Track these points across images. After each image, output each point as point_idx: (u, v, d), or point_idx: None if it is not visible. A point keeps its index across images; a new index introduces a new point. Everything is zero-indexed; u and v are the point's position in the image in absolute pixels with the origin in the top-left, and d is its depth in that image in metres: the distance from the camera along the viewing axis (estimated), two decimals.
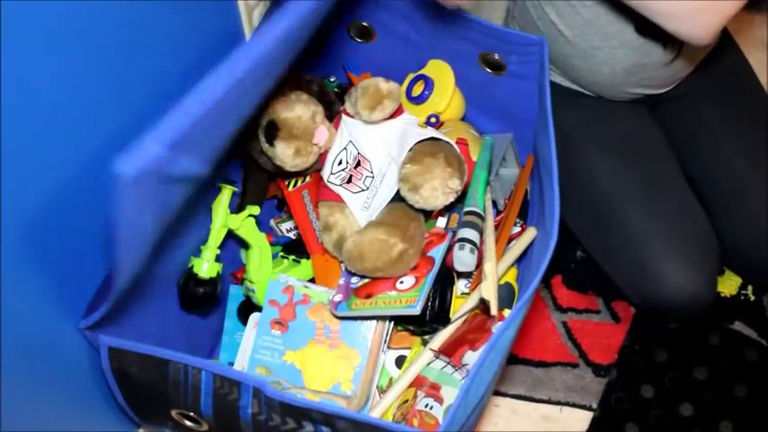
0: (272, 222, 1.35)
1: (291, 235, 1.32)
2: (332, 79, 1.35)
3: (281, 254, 1.24)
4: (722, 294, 1.37)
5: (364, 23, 1.25)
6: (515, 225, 1.19)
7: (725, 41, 1.34)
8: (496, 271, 1.01)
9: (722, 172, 1.26)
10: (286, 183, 1.24)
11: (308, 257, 1.21)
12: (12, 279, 0.85)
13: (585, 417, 1.26)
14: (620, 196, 1.21)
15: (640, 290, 1.20)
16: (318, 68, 1.30)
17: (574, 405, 1.27)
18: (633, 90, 1.26)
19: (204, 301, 1.12)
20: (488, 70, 1.19)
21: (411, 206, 1.06)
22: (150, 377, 0.94)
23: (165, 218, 0.84)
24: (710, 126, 1.30)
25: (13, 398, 0.89)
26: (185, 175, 0.78)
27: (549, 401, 1.28)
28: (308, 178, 1.23)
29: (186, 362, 0.88)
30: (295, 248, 1.24)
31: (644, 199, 1.20)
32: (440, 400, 1.02)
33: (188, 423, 0.99)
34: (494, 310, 0.97)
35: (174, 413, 0.98)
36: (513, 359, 1.30)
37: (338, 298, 1.06)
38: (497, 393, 1.28)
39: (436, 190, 1.01)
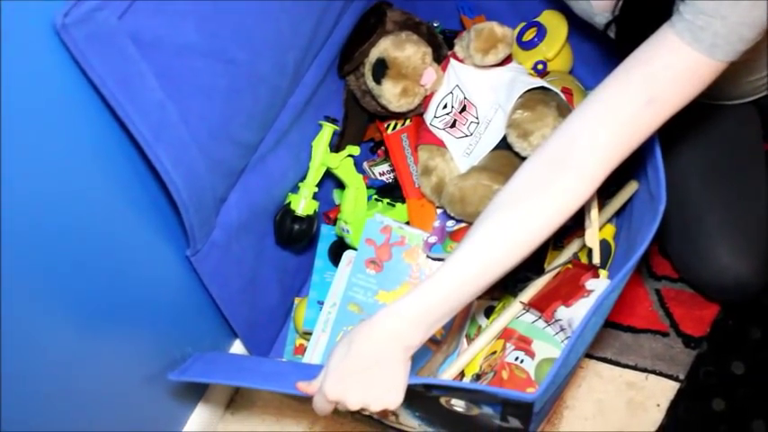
0: (365, 165, 1.35)
1: (385, 179, 1.32)
2: (435, 24, 1.32)
3: (375, 197, 1.24)
4: None
5: None
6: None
7: None
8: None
9: None
10: (385, 125, 1.23)
11: (402, 201, 1.21)
12: (129, 213, 0.89)
13: (671, 387, 1.23)
14: (687, 171, 1.17)
15: (687, 264, 1.19)
16: (422, 12, 1.28)
17: (660, 374, 1.24)
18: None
19: (299, 238, 1.13)
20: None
21: (516, 154, 1.03)
22: None
23: (197, 99, 0.85)
24: None
25: (132, 316, 0.96)
26: (170, 39, 0.77)
27: (635, 368, 1.24)
28: (407, 122, 1.22)
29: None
30: (389, 192, 1.24)
31: (709, 178, 1.16)
32: (531, 354, 1.00)
33: None
34: (596, 258, 0.95)
35: None
36: None
37: (433, 240, 1.06)
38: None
39: (546, 138, 0.98)
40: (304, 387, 0.83)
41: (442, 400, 0.85)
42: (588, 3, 1.01)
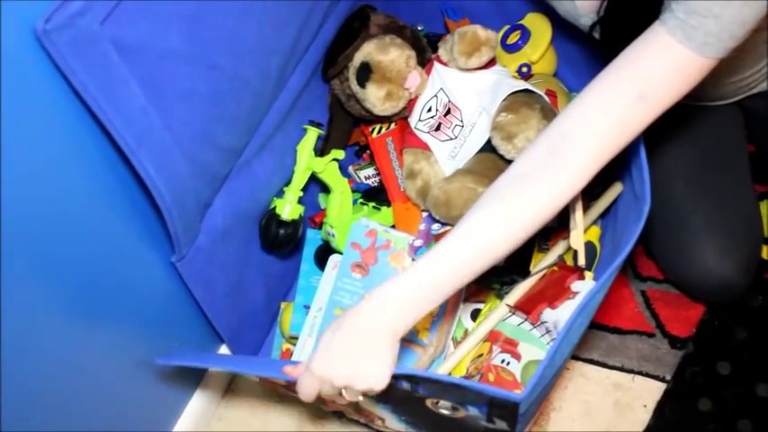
0: (351, 169, 1.35)
1: (370, 182, 1.32)
2: (419, 28, 1.33)
3: (361, 200, 1.24)
4: None
5: None
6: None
7: None
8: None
9: None
10: (370, 129, 1.23)
11: (387, 205, 1.20)
12: (113, 219, 0.89)
13: (658, 388, 1.23)
14: (671, 172, 1.17)
15: (672, 265, 1.19)
16: (406, 15, 1.28)
17: (647, 375, 1.24)
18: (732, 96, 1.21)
19: (285, 242, 1.13)
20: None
21: (500, 156, 1.04)
22: None
23: (180, 106, 0.84)
24: None
25: (117, 321, 0.96)
26: (153, 44, 0.77)
27: (621, 369, 1.25)
28: (392, 125, 1.22)
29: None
30: (374, 196, 1.24)
31: (694, 178, 1.16)
32: (517, 357, 1.01)
33: None
34: (581, 260, 0.95)
35: None
36: None
37: (418, 243, 1.06)
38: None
39: (530, 141, 0.99)
40: (290, 370, 0.83)
41: (429, 403, 0.85)
42: (573, 4, 1.01)
